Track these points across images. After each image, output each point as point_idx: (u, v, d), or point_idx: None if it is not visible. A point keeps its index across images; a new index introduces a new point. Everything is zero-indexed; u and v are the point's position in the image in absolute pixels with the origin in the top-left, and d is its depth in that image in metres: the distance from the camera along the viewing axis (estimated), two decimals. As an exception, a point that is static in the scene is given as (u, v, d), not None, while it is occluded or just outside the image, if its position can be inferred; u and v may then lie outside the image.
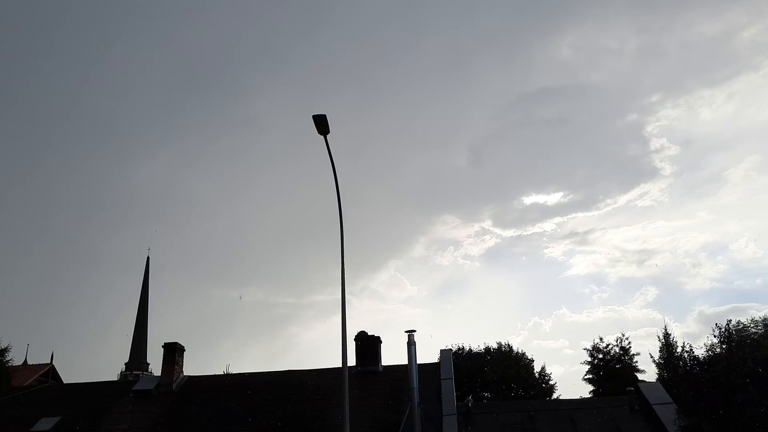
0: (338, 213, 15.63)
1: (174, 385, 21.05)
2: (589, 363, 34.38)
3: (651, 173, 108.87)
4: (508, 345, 36.76)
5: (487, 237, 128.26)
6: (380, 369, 20.77)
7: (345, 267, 15.11)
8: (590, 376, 34.08)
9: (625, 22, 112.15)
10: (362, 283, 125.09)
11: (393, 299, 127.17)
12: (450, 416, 17.28)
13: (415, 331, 17.26)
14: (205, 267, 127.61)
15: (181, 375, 21.71)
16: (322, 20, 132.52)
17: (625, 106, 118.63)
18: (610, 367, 33.53)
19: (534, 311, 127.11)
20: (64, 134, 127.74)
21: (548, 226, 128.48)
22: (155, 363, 73.94)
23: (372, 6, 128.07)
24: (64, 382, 40.11)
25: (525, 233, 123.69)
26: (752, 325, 22.90)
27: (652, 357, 27.38)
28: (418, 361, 17.13)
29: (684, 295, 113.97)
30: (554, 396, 34.41)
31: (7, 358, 32.03)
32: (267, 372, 22.16)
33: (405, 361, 17.67)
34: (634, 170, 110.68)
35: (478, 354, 36.40)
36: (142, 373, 67.94)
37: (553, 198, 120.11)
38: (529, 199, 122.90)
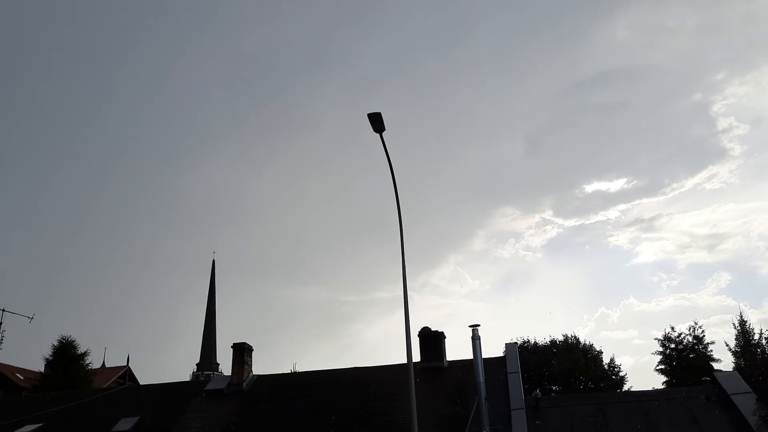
0: (397, 209, 15.66)
1: (244, 384, 21.56)
2: (660, 353, 33.42)
3: (719, 154, 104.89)
4: (575, 337, 36.19)
5: (549, 227, 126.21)
6: (445, 364, 20.71)
7: (405, 263, 15.13)
8: (663, 367, 33.12)
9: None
10: (423, 278, 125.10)
11: (454, 294, 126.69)
12: (518, 410, 17.07)
13: (479, 325, 17.19)
14: (269, 268, 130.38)
15: (250, 374, 22.21)
16: (370, 16, 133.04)
17: (688, 86, 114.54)
18: (683, 356, 32.50)
19: (600, 302, 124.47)
20: (135, 146, 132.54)
21: (612, 213, 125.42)
22: (225, 363, 76.01)
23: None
24: (140, 383, 41.65)
25: (588, 222, 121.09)
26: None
27: (727, 345, 26.33)
28: (483, 356, 17.05)
29: (759, 280, 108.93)
30: (625, 388, 33.66)
31: (87, 362, 33.50)
32: (333, 369, 22.43)
33: (470, 356, 17.61)
34: (701, 152, 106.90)
35: (543, 347, 35.93)
36: (213, 373, 69.83)
37: (616, 185, 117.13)
38: (590, 187, 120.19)
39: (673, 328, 33.44)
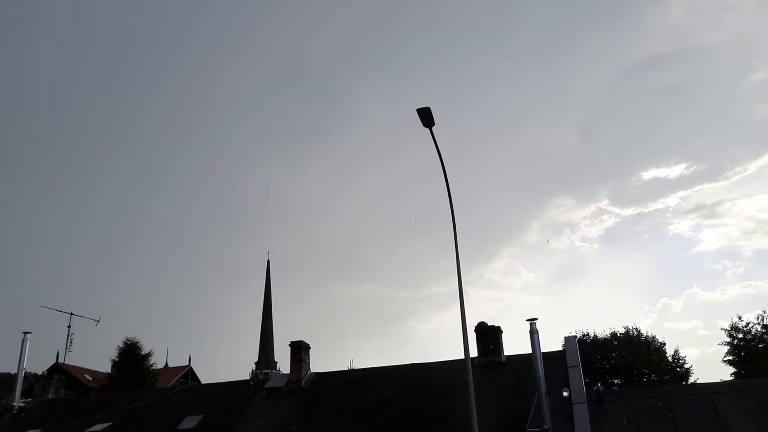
0: (449, 204, 15.55)
1: (303, 382, 21.78)
2: (728, 344, 32.32)
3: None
4: (636, 329, 35.34)
5: (605, 217, 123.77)
6: (503, 359, 20.46)
7: (459, 257, 15.01)
8: (731, 358, 32.03)
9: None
10: (477, 272, 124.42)
11: (509, 287, 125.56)
12: (580, 405, 16.70)
13: (536, 319, 16.99)
14: (323, 266, 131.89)
15: (308, 372, 22.43)
16: (418, 10, 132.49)
17: (749, 65, 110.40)
18: (752, 347, 31.31)
19: (662, 292, 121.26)
20: (189, 149, 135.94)
21: (671, 200, 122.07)
22: (282, 361, 77.16)
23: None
24: (201, 382, 42.65)
25: (646, 210, 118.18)
26: None
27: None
28: (542, 350, 16.79)
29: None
30: (691, 380, 32.74)
31: (151, 362, 34.57)
32: (389, 366, 22.45)
33: (528, 351, 17.37)
34: (765, 133, 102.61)
35: (604, 340, 35.18)
36: (271, 372, 70.95)
37: (675, 171, 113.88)
38: (648, 174, 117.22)
39: (740, 318, 32.35)
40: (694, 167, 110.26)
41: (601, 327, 39.49)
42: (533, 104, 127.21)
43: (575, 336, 22.74)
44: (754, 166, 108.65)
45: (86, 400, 27.36)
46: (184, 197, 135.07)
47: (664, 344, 34.35)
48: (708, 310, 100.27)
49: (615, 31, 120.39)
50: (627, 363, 32.53)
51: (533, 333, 16.77)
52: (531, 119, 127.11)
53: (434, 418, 17.81)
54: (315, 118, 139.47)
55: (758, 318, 31.87)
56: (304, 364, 22.34)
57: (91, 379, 35.95)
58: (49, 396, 25.36)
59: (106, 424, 20.95)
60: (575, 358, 18.80)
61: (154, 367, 35.39)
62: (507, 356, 20.59)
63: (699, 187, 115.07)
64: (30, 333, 23.97)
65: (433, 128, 14.93)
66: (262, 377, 53.08)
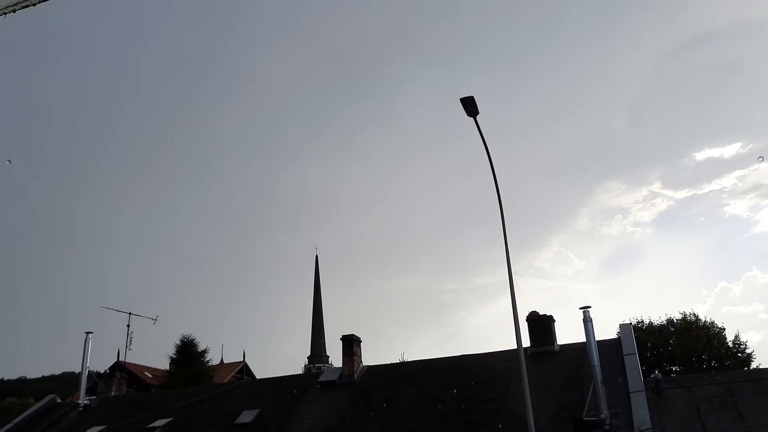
0: (496, 192, 15.41)
1: (355, 375, 21.97)
2: (792, 327, 31.11)
3: None
4: (694, 314, 34.36)
5: (658, 200, 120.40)
6: (556, 348, 20.20)
7: (508, 246, 14.88)
8: (795, 342, 30.84)
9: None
10: (526, 261, 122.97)
11: (560, 276, 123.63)
12: (638, 393, 16.37)
13: (590, 307, 16.71)
14: (370, 260, 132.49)
15: (360, 365, 22.61)
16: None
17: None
18: (818, 330, 30.08)
19: (720, 275, 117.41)
20: (235, 146, 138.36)
21: (727, 181, 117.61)
22: (334, 355, 77.92)
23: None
24: (256, 377, 43.42)
25: (700, 192, 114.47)
26: None
27: None
28: (596, 338, 16.52)
29: None
30: (753, 365, 31.69)
31: (207, 359, 35.41)
32: (442, 358, 22.43)
33: (581, 339, 17.12)
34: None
35: (660, 326, 34.38)
36: (324, 365, 71.73)
37: (730, 150, 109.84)
38: (701, 155, 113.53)
39: (804, 300, 31.16)
40: (750, 145, 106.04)
41: (657, 314, 38.66)
42: (579, 85, 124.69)
43: (630, 323, 22.24)
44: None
45: (147, 397, 28.23)
46: (235, 195, 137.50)
47: (724, 329, 33.39)
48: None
49: (662, 7, 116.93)
50: (685, 350, 31.73)
51: (587, 321, 16.51)
52: (577, 102, 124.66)
53: (487, 410, 17.73)
54: (360, 110, 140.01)
55: (824, 300, 30.76)
56: (356, 358, 22.52)
57: (150, 376, 37.05)
58: (112, 393, 26.25)
59: (168, 419, 21.56)
60: (631, 346, 18.44)
61: (210, 364, 36.21)
62: (560, 345, 20.33)
63: (756, 166, 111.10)
64: (92, 333, 24.89)
65: (479, 117, 14.81)
66: (315, 371, 53.71)
